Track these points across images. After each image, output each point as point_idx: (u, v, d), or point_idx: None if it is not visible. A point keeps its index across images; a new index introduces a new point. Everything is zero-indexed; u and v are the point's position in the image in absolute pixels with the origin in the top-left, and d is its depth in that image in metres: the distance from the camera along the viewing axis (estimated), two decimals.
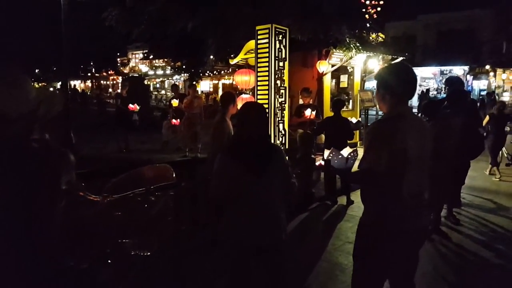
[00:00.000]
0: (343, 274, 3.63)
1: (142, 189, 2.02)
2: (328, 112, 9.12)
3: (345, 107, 11.08)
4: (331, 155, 2.23)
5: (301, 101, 7.77)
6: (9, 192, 1.29)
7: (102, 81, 42.97)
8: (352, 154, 2.23)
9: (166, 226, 2.23)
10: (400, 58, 11.09)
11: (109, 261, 1.87)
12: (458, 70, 27.28)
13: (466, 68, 26.70)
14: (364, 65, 10.74)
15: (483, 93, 24.99)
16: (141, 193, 2.02)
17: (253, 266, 2.22)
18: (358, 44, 8.96)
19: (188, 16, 8.50)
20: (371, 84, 23.79)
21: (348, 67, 10.87)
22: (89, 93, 35.52)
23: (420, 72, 28.74)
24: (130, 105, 9.17)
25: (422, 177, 2.09)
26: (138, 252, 2.01)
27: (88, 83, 42.44)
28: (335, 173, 2.34)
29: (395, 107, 2.10)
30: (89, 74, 38.37)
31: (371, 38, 10.76)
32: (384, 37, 11.93)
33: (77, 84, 42.19)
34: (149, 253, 2.01)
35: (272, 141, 5.60)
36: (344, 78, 11.30)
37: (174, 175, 2.32)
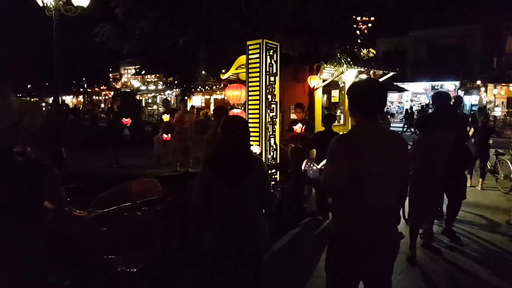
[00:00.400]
0: None
1: (128, 204, 1.98)
2: (319, 127, 9.17)
3: (336, 121, 11.18)
4: (306, 166, 2.35)
5: (293, 116, 7.80)
6: None
7: (94, 97, 42.86)
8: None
9: (154, 242, 2.19)
10: (391, 73, 11.24)
11: (94, 277, 1.83)
12: (449, 85, 27.71)
13: (457, 83, 27.14)
14: (355, 80, 10.86)
15: (475, 108, 25.41)
16: (127, 208, 1.98)
17: (230, 275, 2.26)
18: (349, 59, 9.07)
19: (178, 32, 8.58)
20: None
21: (340, 82, 10.97)
22: (81, 108, 35.33)
23: (412, 87, 29.17)
24: (124, 119, 9.16)
25: (387, 192, 2.08)
26: (125, 269, 1.95)
27: (80, 98, 42.29)
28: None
29: (361, 122, 2.13)
30: (81, 89, 38.28)
31: (362, 53, 10.91)
32: (375, 52, 12.11)
33: (69, 99, 42.02)
34: (135, 269, 1.96)
35: (263, 155, 5.60)
36: (335, 93, 11.39)
37: (161, 190, 2.29)
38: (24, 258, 1.32)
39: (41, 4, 7.64)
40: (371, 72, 10.73)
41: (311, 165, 2.41)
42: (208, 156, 2.36)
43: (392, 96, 31.56)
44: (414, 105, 29.33)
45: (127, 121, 9.20)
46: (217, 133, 4.01)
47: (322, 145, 5.90)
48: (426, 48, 29.15)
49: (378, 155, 2.03)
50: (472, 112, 21.70)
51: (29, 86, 35.55)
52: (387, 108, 29.32)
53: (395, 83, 21.80)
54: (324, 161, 2.36)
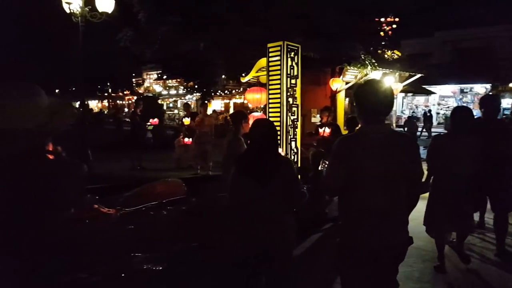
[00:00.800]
0: None
1: (154, 203, 2.01)
2: (342, 130, 9.08)
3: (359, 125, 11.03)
4: (322, 166, 2.46)
5: (314, 120, 7.75)
6: (23, 202, 1.29)
7: (118, 101, 43.88)
8: None
9: (178, 241, 2.21)
10: (417, 76, 11.02)
11: (122, 274, 1.85)
12: (480, 88, 26.72)
13: (488, 86, 26.18)
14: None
15: (507, 112, 24.46)
16: (153, 207, 2.01)
17: (256, 274, 2.36)
18: (373, 61, 8.95)
19: (198, 37, 8.70)
20: None
21: None
22: (106, 112, 36.26)
23: (439, 90, 28.36)
24: (152, 120, 9.42)
25: (389, 195, 2.06)
26: (150, 267, 1.98)
27: (105, 102, 43.37)
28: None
29: (364, 124, 2.14)
30: (105, 94, 39.29)
31: (386, 55, 10.76)
32: (400, 54, 11.94)
33: (94, 104, 43.15)
34: (160, 268, 1.99)
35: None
36: None
37: (185, 190, 2.31)
38: (52, 254, 1.35)
39: (67, 11, 7.88)
40: (397, 74, 10.55)
41: (327, 165, 2.44)
42: (238, 158, 2.45)
43: (418, 99, 30.79)
44: (441, 108, 28.62)
45: (155, 121, 9.43)
46: (237, 138, 4.03)
47: None
48: (454, 50, 28.26)
49: (378, 157, 2.03)
50: (504, 116, 20.91)
51: (56, 90, 36.79)
52: (412, 112, 28.71)
53: (422, 86, 21.31)
54: None
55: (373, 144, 2.05)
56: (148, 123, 9.86)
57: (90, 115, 28.75)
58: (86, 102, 11.15)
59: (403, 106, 30.92)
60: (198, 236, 3.39)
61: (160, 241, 2.08)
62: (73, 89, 23.69)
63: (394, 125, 11.65)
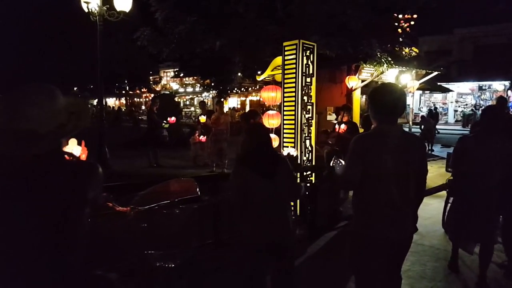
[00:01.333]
0: None
1: (167, 202, 2.04)
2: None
3: None
4: (334, 162, 2.66)
5: (329, 118, 7.69)
6: (41, 206, 1.33)
7: (135, 99, 44.50)
8: None
9: (190, 239, 2.24)
10: (435, 73, 10.81)
11: (136, 272, 1.89)
12: (498, 86, 26.10)
13: (507, 83, 25.50)
14: (396, 80, 10.54)
15: None
16: (166, 206, 2.04)
17: (267, 265, 2.55)
18: (390, 59, 8.82)
19: (214, 36, 8.73)
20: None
21: (379, 82, 10.71)
22: (123, 109, 36.85)
23: (457, 87, 27.77)
24: (169, 118, 9.57)
25: (401, 192, 2.24)
26: (163, 264, 2.01)
27: (123, 100, 44.07)
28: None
29: (379, 124, 2.32)
30: (123, 91, 39.93)
31: (404, 52, 10.59)
32: (417, 51, 11.73)
33: (112, 101, 43.88)
34: (173, 265, 2.02)
35: (299, 157, 5.56)
36: None
37: (198, 189, 2.35)
38: (73, 254, 1.38)
39: (86, 10, 8.03)
40: (413, 71, 10.37)
41: (338, 161, 2.64)
42: (240, 156, 2.66)
43: (435, 97, 30.21)
44: (459, 106, 28.02)
45: (172, 120, 9.56)
46: None
47: None
48: (472, 47, 27.60)
49: (393, 156, 2.22)
50: None
51: (75, 88, 37.52)
52: (429, 109, 28.15)
53: (439, 84, 20.91)
54: None
55: (390, 143, 2.23)
56: (165, 122, 9.97)
57: (108, 113, 29.31)
58: (104, 100, 11.34)
59: (421, 103, 30.39)
60: (212, 233, 3.43)
61: (174, 239, 2.11)
62: (91, 87, 24.09)
63: (410, 122, 11.46)
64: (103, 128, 9.57)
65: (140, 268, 1.87)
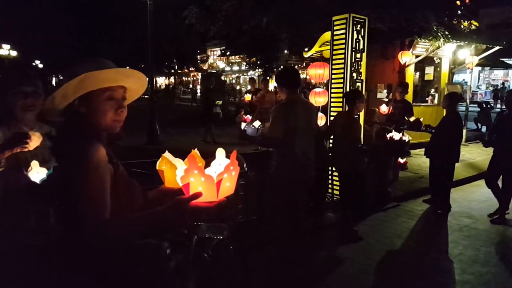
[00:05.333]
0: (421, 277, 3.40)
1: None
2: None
3: (429, 101, 10.30)
4: (247, 126, 3.30)
5: (379, 96, 7.37)
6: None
7: (184, 78, 45.46)
8: (261, 126, 3.65)
9: (237, 214, 2.29)
10: (496, 48, 9.96)
11: (187, 243, 1.96)
12: None
13: None
14: (454, 55, 9.85)
15: None
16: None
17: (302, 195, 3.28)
18: (447, 33, 8.22)
19: (261, 12, 8.60)
20: (461, 77, 21.67)
21: (435, 58, 10.05)
22: (171, 87, 37.88)
23: None
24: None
25: (309, 144, 3.22)
26: (212, 236, 2.08)
27: (172, 79, 45.26)
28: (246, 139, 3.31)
29: (289, 95, 3.16)
30: (172, 71, 40.94)
31: (462, 26, 9.83)
32: (477, 24, 10.82)
33: (162, 80, 45.23)
34: (221, 237, 2.08)
35: None
36: (429, 70, 10.49)
37: (245, 165, 2.37)
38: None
39: None
40: (472, 46, 9.60)
41: (250, 125, 3.32)
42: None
43: (496, 74, 27.88)
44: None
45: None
46: (353, 119, 4.37)
47: None
48: None
49: (305, 117, 3.15)
50: None
51: (127, 67, 39.16)
52: (495, 87, 26.06)
53: (500, 59, 19.22)
54: (257, 121, 4.07)
55: (301, 108, 3.15)
56: (218, 101, 10.18)
57: (161, 91, 30.24)
58: (154, 79, 11.71)
59: (479, 81, 28.22)
60: (256, 209, 3.49)
61: (220, 212, 2.16)
62: (142, 66, 24.91)
63: (468, 101, 10.63)
64: (153, 105, 9.95)
65: (189, 239, 1.94)
